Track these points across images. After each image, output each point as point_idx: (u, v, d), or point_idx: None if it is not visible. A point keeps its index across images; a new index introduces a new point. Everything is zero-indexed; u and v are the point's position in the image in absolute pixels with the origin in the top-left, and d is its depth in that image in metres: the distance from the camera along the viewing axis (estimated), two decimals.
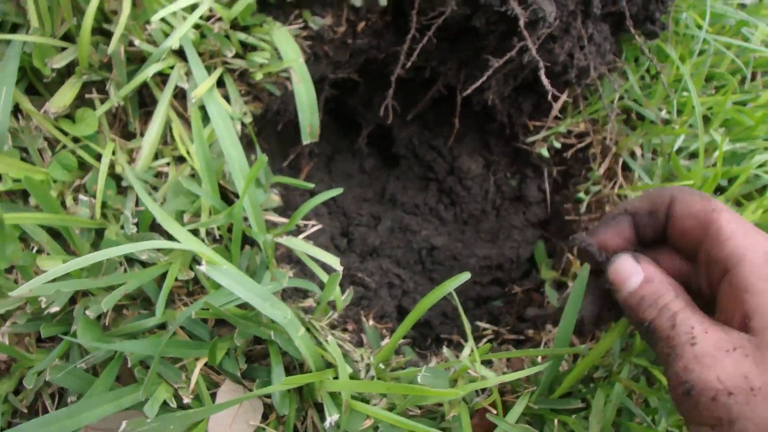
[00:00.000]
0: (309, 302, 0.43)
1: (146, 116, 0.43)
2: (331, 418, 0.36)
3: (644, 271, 0.35)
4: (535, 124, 0.59)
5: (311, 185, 0.44)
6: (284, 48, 0.43)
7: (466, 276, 0.37)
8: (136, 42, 0.41)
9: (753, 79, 0.75)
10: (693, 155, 0.65)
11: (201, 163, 0.38)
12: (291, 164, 0.62)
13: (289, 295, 0.44)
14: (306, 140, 0.43)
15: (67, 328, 0.36)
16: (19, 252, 0.35)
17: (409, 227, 0.58)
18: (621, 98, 0.59)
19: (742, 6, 0.80)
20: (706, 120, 0.64)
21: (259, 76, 0.44)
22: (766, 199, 0.61)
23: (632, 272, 0.35)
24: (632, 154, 0.59)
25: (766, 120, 0.66)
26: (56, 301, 0.35)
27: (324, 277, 0.41)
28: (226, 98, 0.44)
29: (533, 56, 0.42)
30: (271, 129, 0.54)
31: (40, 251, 0.37)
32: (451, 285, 0.37)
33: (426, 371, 0.39)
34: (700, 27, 0.65)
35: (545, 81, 0.46)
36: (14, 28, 0.42)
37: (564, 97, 0.57)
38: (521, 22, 0.41)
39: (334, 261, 0.41)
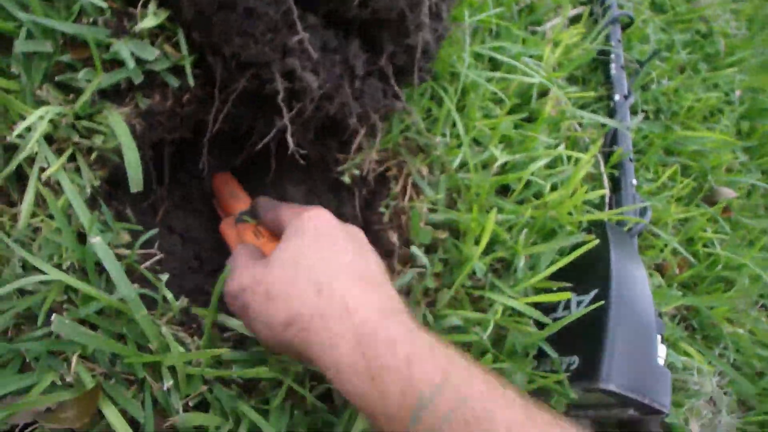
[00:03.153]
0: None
1: (23, 189, 0.72)
2: (168, 384, 0.65)
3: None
4: (344, 156, 0.90)
5: (140, 227, 0.74)
6: (116, 129, 0.73)
7: None
8: (7, 138, 0.70)
9: (545, 95, 1.08)
10: (484, 166, 0.97)
11: (60, 222, 0.68)
12: (152, 206, 0.92)
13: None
14: (133, 189, 0.70)
15: None
16: None
17: None
18: (407, 130, 0.90)
19: (534, 33, 1.14)
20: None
21: (101, 149, 0.73)
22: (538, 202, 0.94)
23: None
24: (422, 175, 0.90)
25: (542, 130, 0.98)
26: None
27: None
28: (78, 169, 0.74)
29: (285, 121, 0.72)
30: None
31: None
32: None
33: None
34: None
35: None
36: None
37: (361, 135, 0.87)
38: (280, 97, 0.72)
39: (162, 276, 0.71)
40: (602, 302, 0.80)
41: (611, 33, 1.25)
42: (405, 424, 0.43)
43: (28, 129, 0.71)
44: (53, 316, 0.61)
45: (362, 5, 0.74)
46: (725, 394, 1.12)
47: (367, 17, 0.77)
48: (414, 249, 0.84)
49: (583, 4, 1.34)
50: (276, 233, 0.65)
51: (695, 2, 1.54)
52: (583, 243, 0.89)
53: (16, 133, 0.65)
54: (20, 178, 0.72)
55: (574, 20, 1.27)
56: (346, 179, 0.88)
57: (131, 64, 0.69)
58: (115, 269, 0.63)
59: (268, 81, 0.76)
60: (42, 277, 0.61)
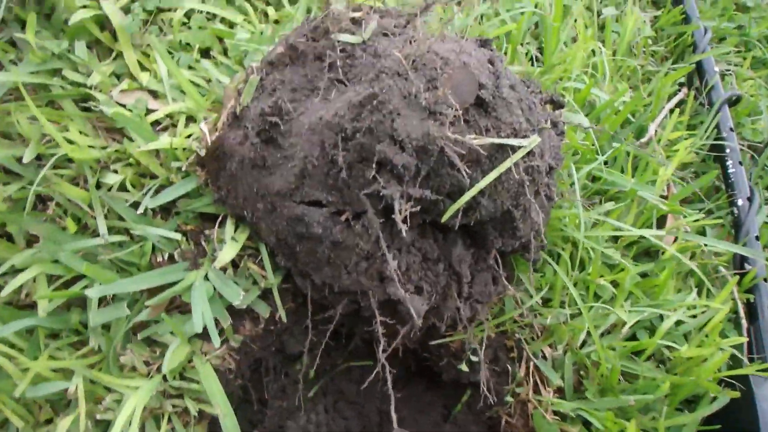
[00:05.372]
0: None
1: None
2: None
3: None
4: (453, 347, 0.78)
5: None
6: (211, 393, 0.63)
7: None
8: (97, 415, 0.61)
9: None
10: (608, 332, 0.82)
11: None
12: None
13: None
14: None
15: None
16: None
17: None
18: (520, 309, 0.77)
19: (640, 141, 0.98)
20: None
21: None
22: None
23: None
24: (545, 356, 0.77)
25: (671, 279, 0.83)
26: None
27: None
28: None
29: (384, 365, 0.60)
30: None
31: None
32: None
33: None
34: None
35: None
36: None
37: (471, 331, 0.75)
38: (380, 347, 0.60)
39: None
40: None
41: (721, 120, 1.06)
42: None
43: (117, 401, 0.63)
44: None
45: (465, 215, 0.62)
46: None
47: (469, 222, 0.64)
48: None
49: (681, 85, 1.16)
50: None
51: None
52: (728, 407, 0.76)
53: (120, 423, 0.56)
54: None
55: (678, 105, 1.09)
56: (463, 367, 0.76)
57: (226, 321, 0.60)
58: None
59: (367, 309, 0.64)
60: None
